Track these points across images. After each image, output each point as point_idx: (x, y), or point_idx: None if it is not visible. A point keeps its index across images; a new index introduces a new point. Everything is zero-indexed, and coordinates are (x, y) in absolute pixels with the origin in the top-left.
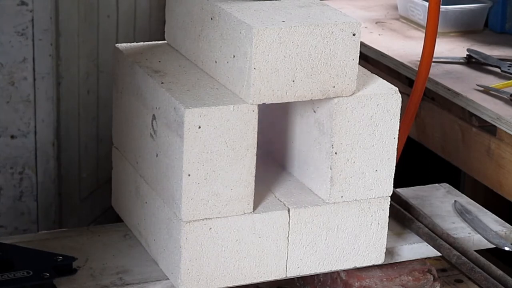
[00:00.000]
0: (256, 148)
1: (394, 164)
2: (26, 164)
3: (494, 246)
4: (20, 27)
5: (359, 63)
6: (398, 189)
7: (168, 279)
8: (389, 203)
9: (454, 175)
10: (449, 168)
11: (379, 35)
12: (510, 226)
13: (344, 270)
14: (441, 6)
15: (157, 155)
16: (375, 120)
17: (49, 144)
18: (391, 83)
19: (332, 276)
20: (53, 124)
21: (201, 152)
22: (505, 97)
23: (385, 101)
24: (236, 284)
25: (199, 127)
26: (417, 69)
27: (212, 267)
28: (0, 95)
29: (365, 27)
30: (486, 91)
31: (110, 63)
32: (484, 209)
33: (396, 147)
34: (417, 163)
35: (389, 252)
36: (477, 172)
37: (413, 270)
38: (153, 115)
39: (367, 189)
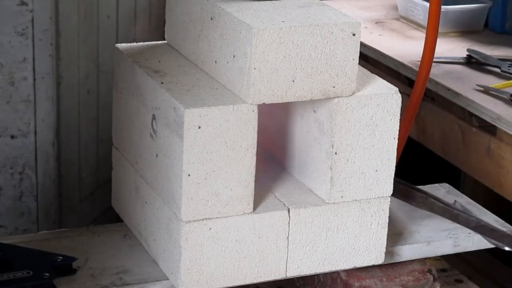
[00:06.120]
0: (256, 148)
1: (394, 164)
2: (26, 164)
3: (494, 246)
4: (20, 27)
5: (359, 63)
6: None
7: (168, 279)
8: (389, 203)
9: (454, 175)
10: (449, 168)
11: (379, 35)
12: (510, 226)
13: (344, 270)
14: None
15: (157, 155)
16: (375, 120)
17: (49, 144)
18: (391, 83)
19: (332, 276)
20: (53, 124)
21: (201, 152)
22: (505, 97)
23: (385, 101)
24: (236, 284)
25: (199, 127)
26: (417, 69)
27: (212, 267)
28: (0, 95)
29: (365, 27)
30: (486, 91)
31: (110, 63)
32: (484, 209)
33: (396, 147)
34: (417, 163)
35: (389, 252)
36: (477, 172)
37: (413, 270)
38: (153, 115)
39: (367, 189)
